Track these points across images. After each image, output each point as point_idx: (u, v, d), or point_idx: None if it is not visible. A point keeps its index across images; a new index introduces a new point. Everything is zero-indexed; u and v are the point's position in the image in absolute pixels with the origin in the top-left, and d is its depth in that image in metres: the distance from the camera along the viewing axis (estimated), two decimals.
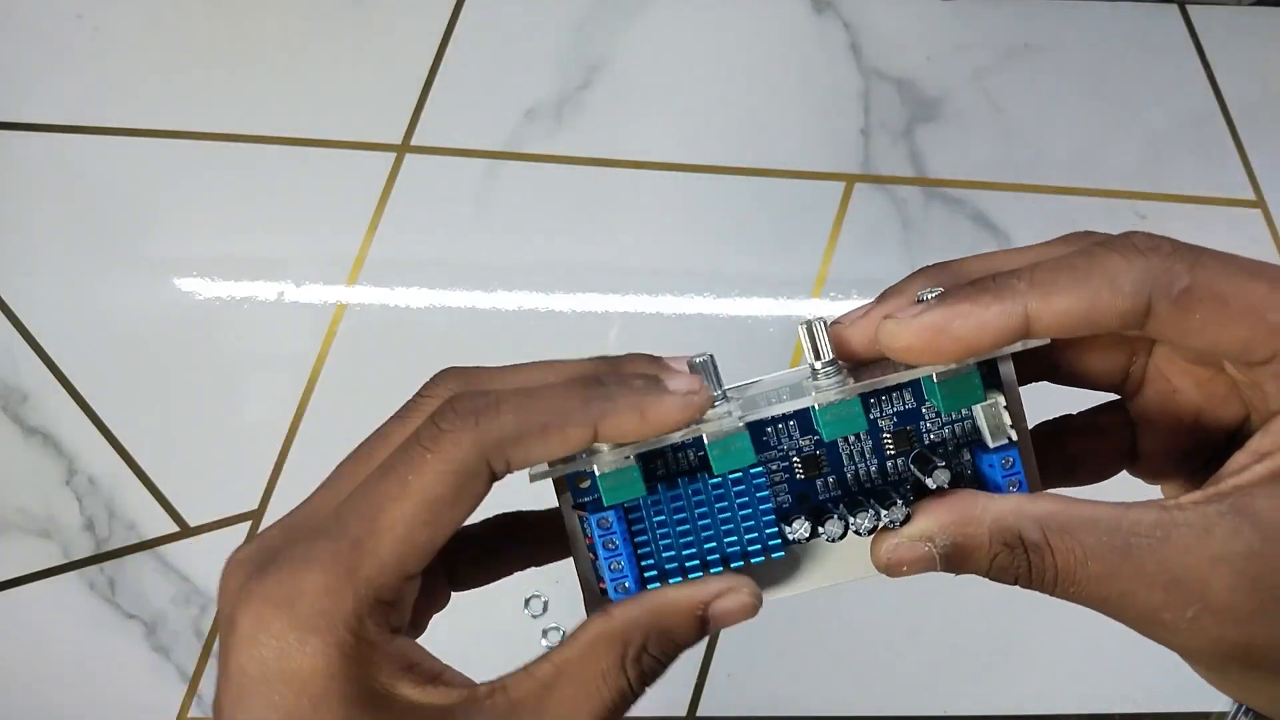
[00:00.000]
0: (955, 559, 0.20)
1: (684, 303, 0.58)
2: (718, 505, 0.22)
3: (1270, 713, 0.20)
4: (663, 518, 0.22)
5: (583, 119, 0.62)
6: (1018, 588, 0.20)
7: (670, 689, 0.52)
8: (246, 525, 0.54)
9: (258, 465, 0.55)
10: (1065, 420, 0.26)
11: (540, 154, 0.61)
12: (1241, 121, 0.64)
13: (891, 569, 0.20)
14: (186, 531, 0.54)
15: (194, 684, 0.52)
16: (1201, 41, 0.66)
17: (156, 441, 0.55)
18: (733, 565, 0.22)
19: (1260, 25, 0.67)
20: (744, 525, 0.22)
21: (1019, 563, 0.19)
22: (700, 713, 0.52)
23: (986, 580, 0.20)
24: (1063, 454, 0.24)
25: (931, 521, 0.20)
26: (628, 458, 0.21)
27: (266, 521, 0.54)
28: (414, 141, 0.60)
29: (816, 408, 0.22)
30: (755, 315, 0.58)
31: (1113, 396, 0.25)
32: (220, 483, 0.55)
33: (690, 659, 0.53)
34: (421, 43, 0.63)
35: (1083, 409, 0.25)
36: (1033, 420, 0.23)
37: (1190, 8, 0.67)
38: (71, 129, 0.60)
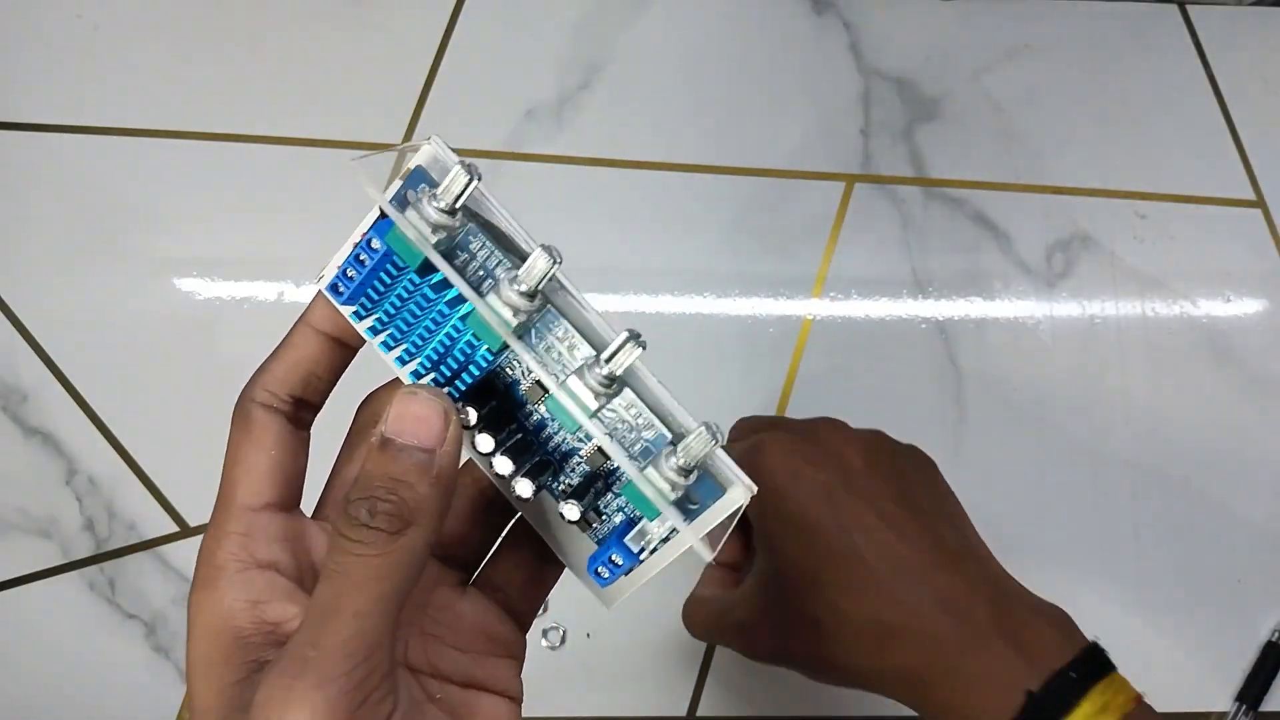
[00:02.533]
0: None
1: (684, 303, 0.58)
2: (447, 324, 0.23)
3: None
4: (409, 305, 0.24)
5: (583, 119, 0.62)
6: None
7: (670, 689, 0.52)
8: None
9: None
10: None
11: (540, 154, 0.61)
12: (1241, 121, 0.64)
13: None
14: (186, 531, 0.54)
15: None
16: (1201, 41, 0.66)
17: (156, 441, 0.55)
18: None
19: (1260, 25, 0.67)
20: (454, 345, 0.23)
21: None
22: (700, 713, 0.52)
23: None
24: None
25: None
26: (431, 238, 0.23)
27: None
28: (414, 141, 0.60)
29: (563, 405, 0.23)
30: (755, 315, 0.58)
31: None
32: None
33: (690, 659, 0.53)
34: (421, 43, 0.63)
35: None
36: None
37: (1190, 8, 0.67)
38: (71, 129, 0.60)
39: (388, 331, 0.24)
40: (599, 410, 0.23)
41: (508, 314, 0.22)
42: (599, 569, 0.23)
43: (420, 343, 0.23)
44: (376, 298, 0.23)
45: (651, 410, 0.23)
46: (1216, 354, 0.59)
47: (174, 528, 0.54)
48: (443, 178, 0.23)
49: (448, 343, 0.23)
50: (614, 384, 0.23)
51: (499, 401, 0.24)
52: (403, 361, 0.24)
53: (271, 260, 0.58)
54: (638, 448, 0.24)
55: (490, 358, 0.23)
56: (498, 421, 0.24)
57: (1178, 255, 0.61)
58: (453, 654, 0.25)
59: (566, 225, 0.60)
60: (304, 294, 0.57)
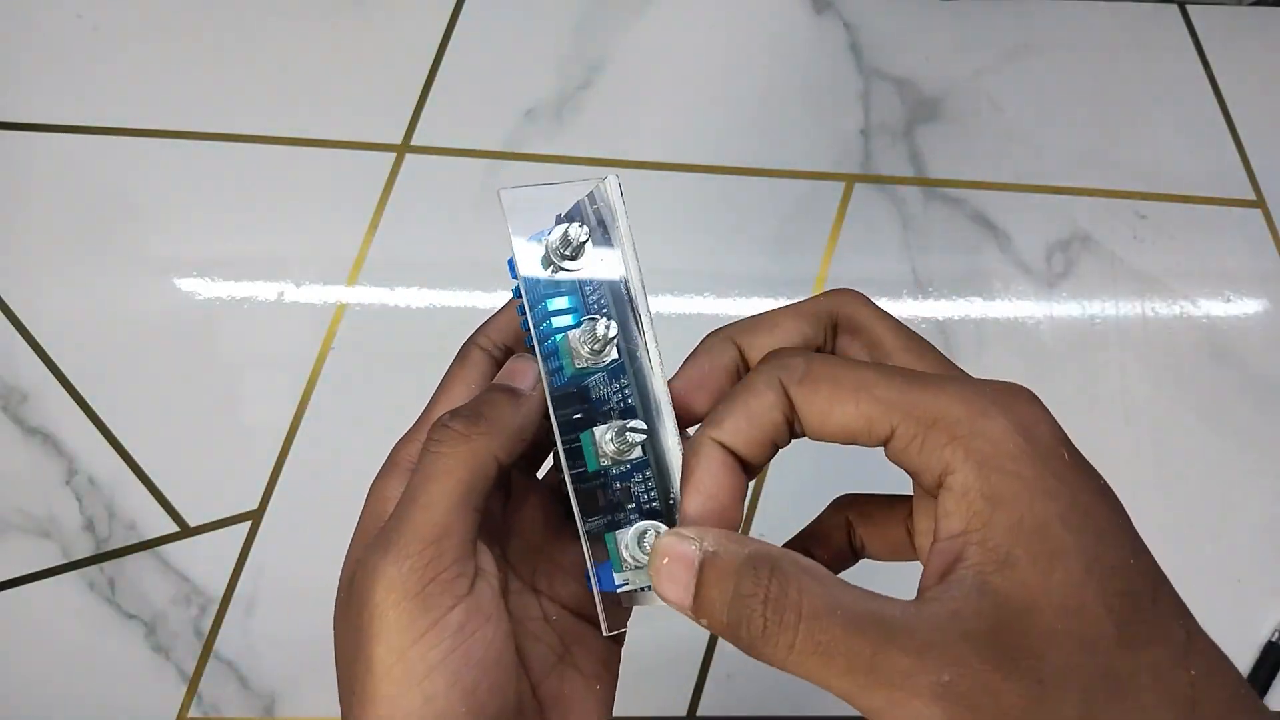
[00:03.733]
0: (707, 570, 0.21)
1: (684, 303, 0.58)
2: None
3: None
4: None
5: (583, 119, 0.62)
6: (751, 647, 0.20)
7: (670, 689, 0.52)
8: (246, 525, 0.54)
9: (258, 465, 0.55)
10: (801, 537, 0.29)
11: (540, 154, 0.61)
12: (1241, 121, 0.64)
13: (655, 554, 0.22)
14: (186, 531, 0.54)
15: (194, 684, 0.52)
16: (1201, 41, 0.66)
17: (156, 441, 0.55)
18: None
19: (1260, 25, 0.67)
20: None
21: (759, 587, 0.20)
22: (700, 713, 0.52)
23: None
24: None
25: (708, 531, 0.22)
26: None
27: (266, 521, 0.54)
28: (414, 141, 0.60)
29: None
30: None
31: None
32: (220, 483, 0.55)
33: (690, 659, 0.53)
34: (421, 43, 0.63)
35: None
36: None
37: (1190, 8, 0.67)
38: (71, 129, 0.60)
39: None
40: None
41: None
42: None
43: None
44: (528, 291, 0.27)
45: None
46: (1216, 354, 0.59)
47: (174, 528, 0.54)
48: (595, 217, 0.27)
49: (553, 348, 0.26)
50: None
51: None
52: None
53: (271, 260, 0.58)
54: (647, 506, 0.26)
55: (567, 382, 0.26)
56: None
57: (1178, 255, 0.61)
58: (573, 585, 0.28)
59: None
60: (304, 294, 0.57)
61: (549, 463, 0.29)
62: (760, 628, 0.20)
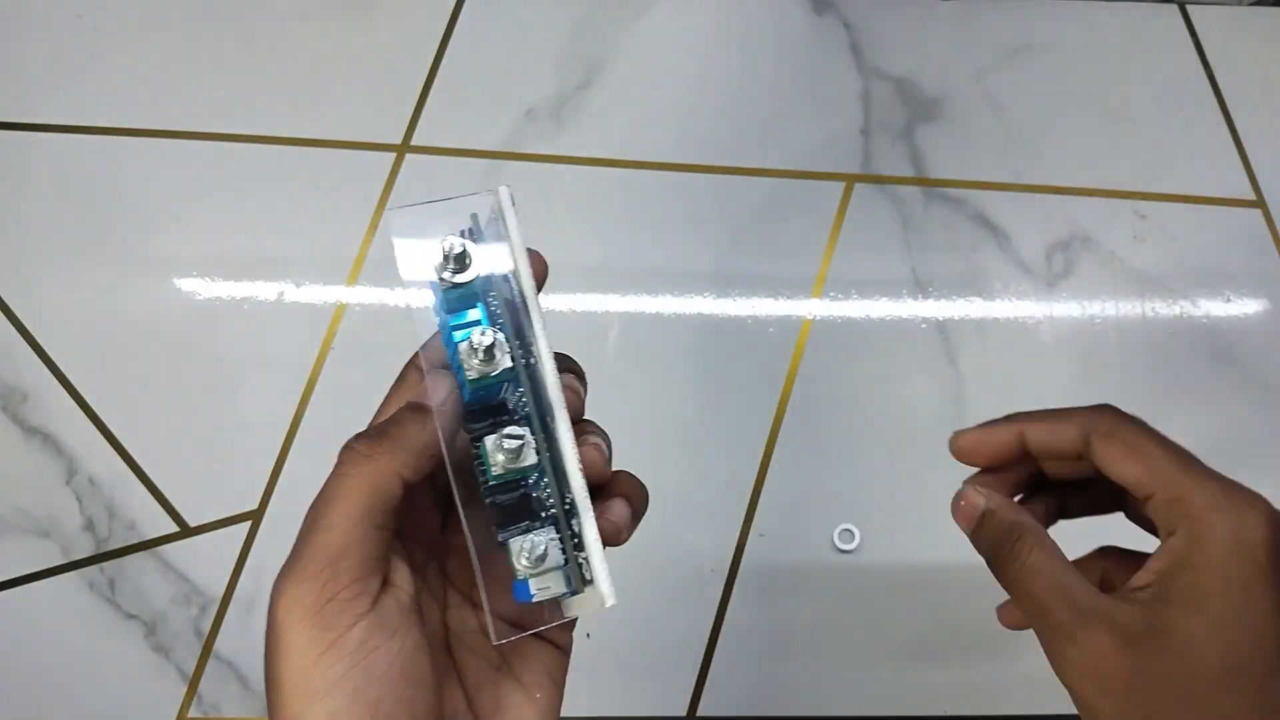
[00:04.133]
0: (987, 520, 0.30)
1: (684, 303, 0.58)
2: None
3: None
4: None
5: (583, 119, 0.62)
6: (992, 566, 0.30)
7: (670, 689, 0.52)
8: (246, 525, 0.54)
9: (258, 465, 0.55)
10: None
11: (540, 154, 0.61)
12: (1241, 122, 0.64)
13: (959, 496, 0.31)
14: (186, 531, 0.54)
15: (194, 684, 0.52)
16: (1201, 41, 0.66)
17: (156, 441, 0.55)
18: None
19: (1260, 25, 0.67)
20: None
21: (1005, 544, 0.29)
22: (700, 713, 0.52)
23: (988, 582, 0.30)
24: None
25: (994, 494, 0.31)
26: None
27: (267, 521, 0.54)
28: (414, 141, 0.60)
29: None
30: (755, 315, 0.58)
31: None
32: (220, 483, 0.55)
33: (690, 659, 0.53)
34: (421, 43, 0.63)
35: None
36: None
37: (1190, 8, 0.67)
38: (71, 129, 0.60)
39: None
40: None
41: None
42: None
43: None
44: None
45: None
46: (1216, 354, 0.59)
47: (174, 528, 0.54)
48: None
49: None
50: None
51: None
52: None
53: (271, 260, 0.58)
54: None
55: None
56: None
57: (1178, 255, 0.61)
58: (507, 597, 0.28)
59: (566, 225, 0.60)
60: (303, 294, 0.58)
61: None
62: (1000, 560, 0.29)
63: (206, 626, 0.53)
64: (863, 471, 0.56)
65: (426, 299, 0.27)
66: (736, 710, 0.52)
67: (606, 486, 0.28)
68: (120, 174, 0.59)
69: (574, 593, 0.25)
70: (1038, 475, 0.33)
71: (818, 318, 0.58)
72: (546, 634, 0.28)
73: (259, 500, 0.54)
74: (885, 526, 0.54)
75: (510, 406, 0.26)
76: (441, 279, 0.27)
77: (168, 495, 0.54)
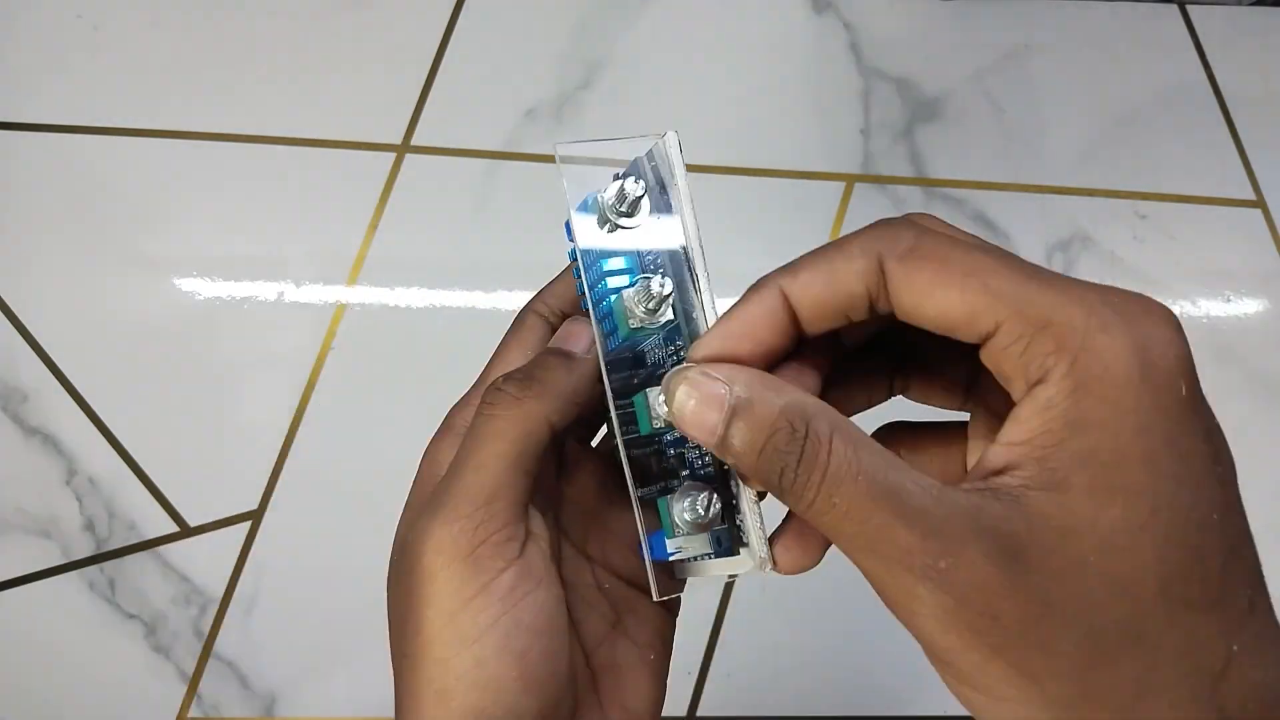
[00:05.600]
0: (739, 417, 0.20)
1: None
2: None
3: (981, 713, 0.19)
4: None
5: (583, 119, 0.62)
6: (776, 493, 0.21)
7: (671, 689, 0.52)
8: (246, 525, 0.54)
9: (258, 465, 0.55)
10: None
11: (540, 154, 0.61)
12: (1241, 122, 0.64)
13: (678, 388, 0.21)
14: (186, 531, 0.54)
15: (194, 684, 0.52)
16: (1201, 41, 0.66)
17: (156, 441, 0.55)
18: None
19: (1260, 25, 0.67)
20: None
21: (794, 448, 0.19)
22: (700, 712, 0.52)
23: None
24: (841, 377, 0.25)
25: (739, 371, 0.21)
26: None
27: (266, 521, 0.54)
28: (414, 141, 0.60)
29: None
30: None
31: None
32: (220, 483, 0.55)
33: (690, 658, 0.53)
34: (421, 43, 0.63)
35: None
36: None
37: (1190, 8, 0.67)
38: (71, 129, 0.60)
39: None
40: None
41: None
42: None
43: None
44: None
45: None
46: (1216, 354, 0.59)
47: (174, 528, 0.54)
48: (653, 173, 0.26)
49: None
50: None
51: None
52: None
53: (271, 260, 0.58)
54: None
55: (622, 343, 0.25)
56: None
57: (1178, 255, 0.61)
58: (626, 553, 0.27)
59: None
60: (303, 294, 0.57)
61: (603, 432, 0.28)
62: (790, 482, 0.20)
63: (206, 626, 0.53)
64: None
65: (571, 240, 0.25)
66: (736, 710, 0.52)
67: None
68: (120, 174, 0.59)
69: (717, 555, 0.24)
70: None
71: None
72: (666, 597, 0.26)
73: (259, 500, 0.54)
74: None
75: (649, 363, 0.25)
76: (609, 220, 0.25)
77: (168, 495, 0.54)
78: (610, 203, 0.25)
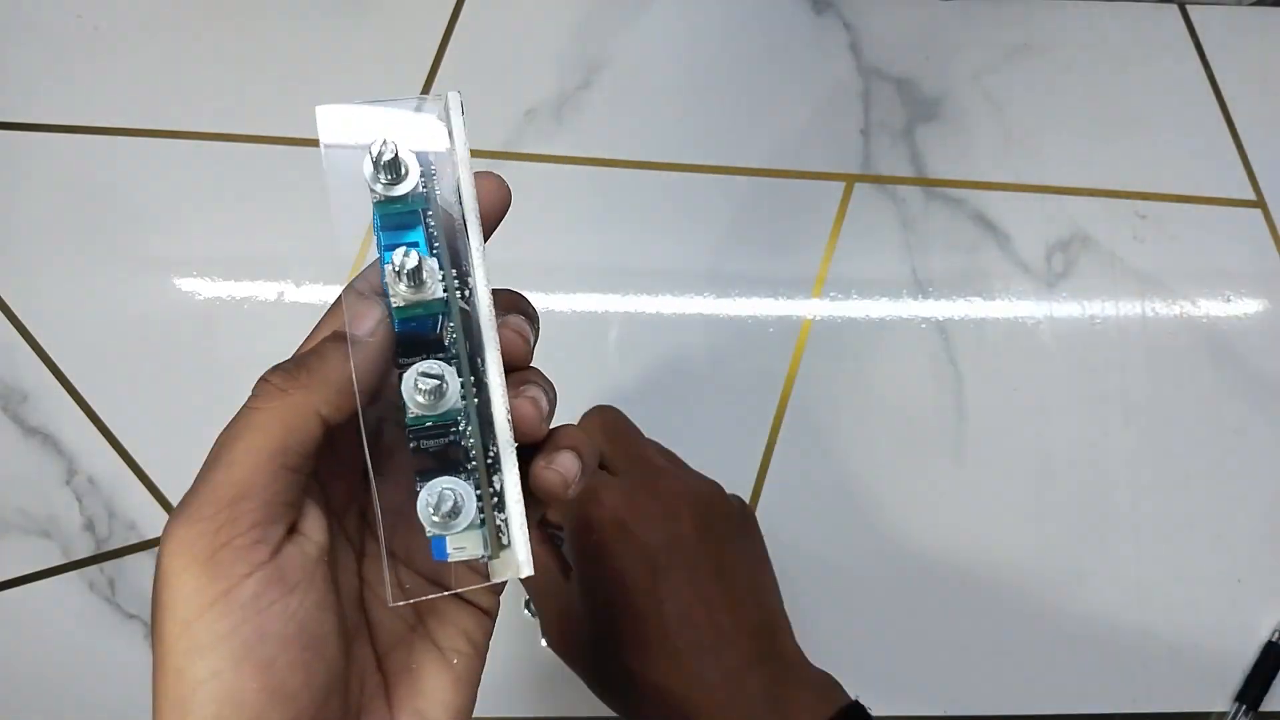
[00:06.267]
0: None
1: (684, 303, 0.58)
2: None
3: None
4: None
5: (583, 119, 0.62)
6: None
7: None
8: None
9: None
10: None
11: (540, 154, 0.61)
12: (1241, 122, 0.64)
13: (555, 485, 0.24)
14: None
15: None
16: (1201, 41, 0.66)
17: (156, 441, 0.55)
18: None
19: (1260, 25, 0.67)
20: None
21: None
22: None
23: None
24: None
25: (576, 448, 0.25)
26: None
27: None
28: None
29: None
30: (755, 315, 0.58)
31: None
32: None
33: None
34: (422, 43, 0.63)
35: None
36: None
37: (1190, 8, 0.67)
38: (71, 129, 0.60)
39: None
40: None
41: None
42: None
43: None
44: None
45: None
46: (1216, 354, 0.59)
47: None
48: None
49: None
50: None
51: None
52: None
53: (271, 260, 0.58)
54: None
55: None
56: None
57: (1178, 255, 0.61)
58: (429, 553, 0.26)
59: (566, 225, 0.60)
60: (304, 294, 0.57)
61: None
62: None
63: None
64: (862, 472, 0.56)
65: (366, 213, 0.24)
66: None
67: (553, 439, 0.25)
68: (120, 174, 0.59)
69: (491, 556, 0.23)
70: None
71: (818, 318, 0.58)
72: (468, 595, 0.26)
73: None
74: (884, 525, 0.54)
75: (446, 344, 0.23)
76: (373, 190, 0.23)
77: (168, 495, 0.54)
78: (369, 173, 0.23)
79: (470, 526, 0.22)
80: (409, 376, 0.22)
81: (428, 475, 0.22)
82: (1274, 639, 0.53)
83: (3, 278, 0.57)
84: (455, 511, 0.22)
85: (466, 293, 0.23)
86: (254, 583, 0.21)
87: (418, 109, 0.25)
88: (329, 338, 0.24)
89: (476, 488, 0.22)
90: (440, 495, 0.22)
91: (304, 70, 0.62)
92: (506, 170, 0.60)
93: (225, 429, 0.23)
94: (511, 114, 0.61)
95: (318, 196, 0.59)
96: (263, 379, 0.23)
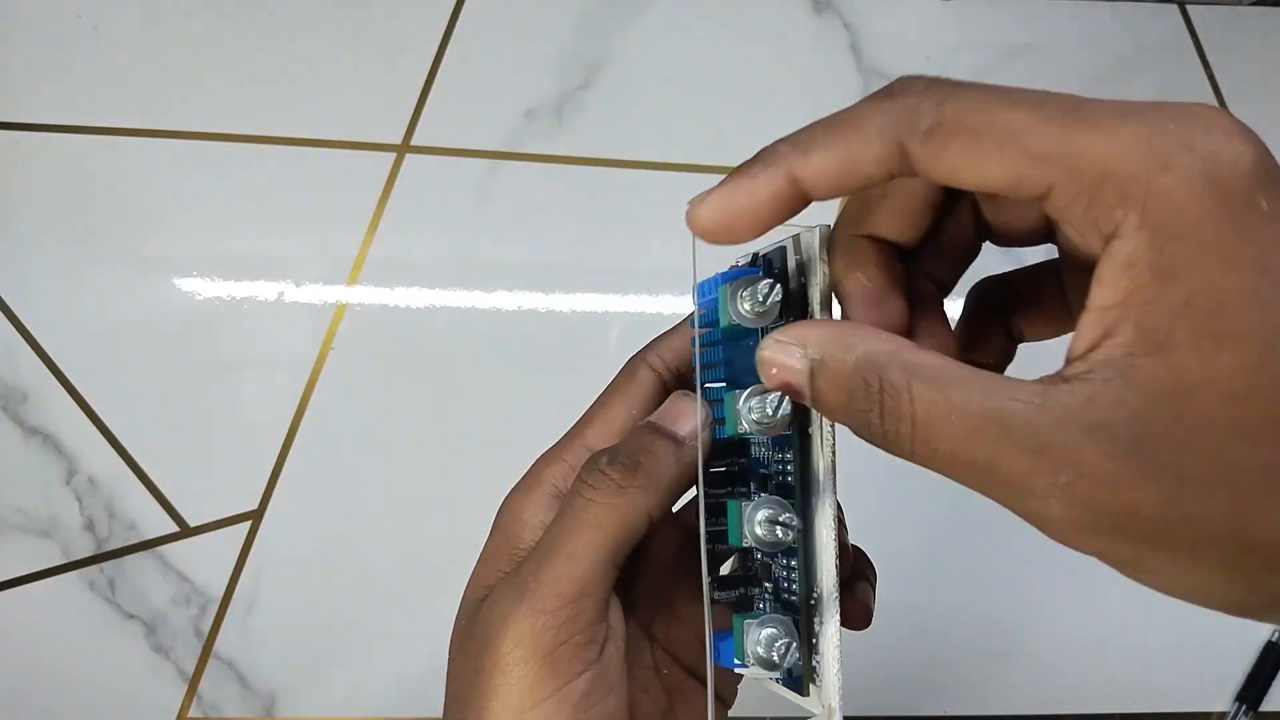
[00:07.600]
0: (818, 378, 0.20)
1: (684, 303, 0.58)
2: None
3: (1159, 587, 0.18)
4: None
5: (583, 119, 0.62)
6: (878, 446, 0.19)
7: None
8: (246, 525, 0.54)
9: (258, 465, 0.55)
10: (1001, 282, 0.25)
11: (540, 154, 0.61)
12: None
13: (762, 365, 0.21)
14: (186, 531, 0.54)
15: (194, 684, 0.52)
16: (1201, 41, 0.66)
17: (156, 441, 0.55)
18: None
19: (1260, 25, 0.67)
20: None
21: (872, 403, 0.18)
22: None
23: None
24: (1002, 317, 0.25)
25: (809, 331, 0.20)
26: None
27: (266, 521, 0.54)
28: (414, 141, 0.60)
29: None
30: None
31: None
32: (220, 483, 0.55)
33: None
34: (421, 43, 0.63)
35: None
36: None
37: (1190, 8, 0.67)
38: (71, 129, 0.60)
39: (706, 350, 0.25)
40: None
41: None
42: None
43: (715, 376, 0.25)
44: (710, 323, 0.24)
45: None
46: None
47: (174, 528, 0.54)
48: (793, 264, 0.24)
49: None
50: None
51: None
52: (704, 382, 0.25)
53: (271, 260, 0.58)
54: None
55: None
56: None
57: None
58: (690, 641, 0.26)
59: (566, 225, 0.60)
60: (303, 294, 0.58)
61: (688, 496, 0.26)
62: (881, 437, 0.18)
63: (206, 626, 0.53)
64: (862, 472, 0.56)
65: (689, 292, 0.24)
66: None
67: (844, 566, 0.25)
68: (119, 174, 0.59)
69: (784, 683, 0.23)
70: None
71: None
72: (715, 686, 0.25)
73: (259, 500, 0.54)
74: (882, 524, 0.54)
75: (755, 456, 0.23)
76: (739, 310, 0.23)
77: (168, 495, 0.54)
78: (743, 298, 0.23)
79: (787, 667, 0.22)
80: (753, 510, 0.22)
81: (725, 585, 0.23)
82: (1274, 639, 0.53)
83: (3, 278, 0.57)
84: (784, 656, 0.22)
85: (808, 430, 0.23)
86: (583, 682, 0.21)
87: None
88: (654, 432, 0.23)
89: (795, 625, 0.22)
90: (770, 637, 0.22)
91: (304, 70, 0.62)
92: (506, 170, 0.60)
93: (563, 513, 0.22)
94: (511, 114, 0.61)
95: (318, 197, 0.59)
96: (599, 470, 0.22)
